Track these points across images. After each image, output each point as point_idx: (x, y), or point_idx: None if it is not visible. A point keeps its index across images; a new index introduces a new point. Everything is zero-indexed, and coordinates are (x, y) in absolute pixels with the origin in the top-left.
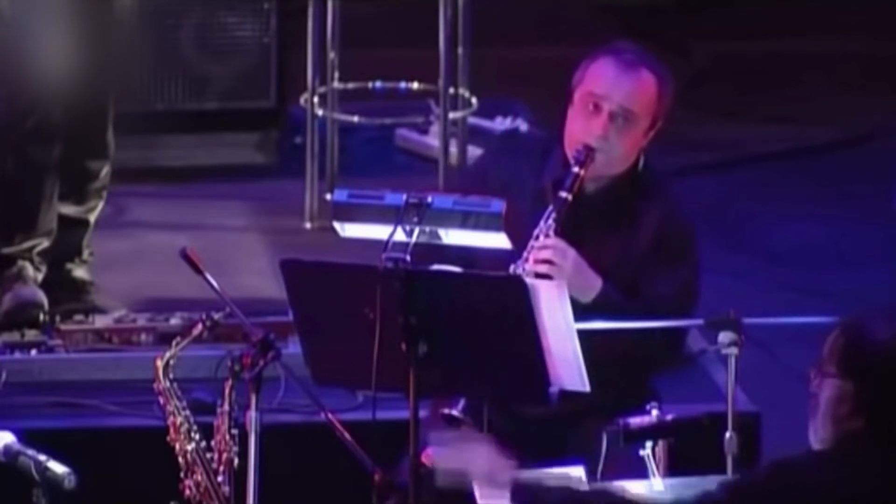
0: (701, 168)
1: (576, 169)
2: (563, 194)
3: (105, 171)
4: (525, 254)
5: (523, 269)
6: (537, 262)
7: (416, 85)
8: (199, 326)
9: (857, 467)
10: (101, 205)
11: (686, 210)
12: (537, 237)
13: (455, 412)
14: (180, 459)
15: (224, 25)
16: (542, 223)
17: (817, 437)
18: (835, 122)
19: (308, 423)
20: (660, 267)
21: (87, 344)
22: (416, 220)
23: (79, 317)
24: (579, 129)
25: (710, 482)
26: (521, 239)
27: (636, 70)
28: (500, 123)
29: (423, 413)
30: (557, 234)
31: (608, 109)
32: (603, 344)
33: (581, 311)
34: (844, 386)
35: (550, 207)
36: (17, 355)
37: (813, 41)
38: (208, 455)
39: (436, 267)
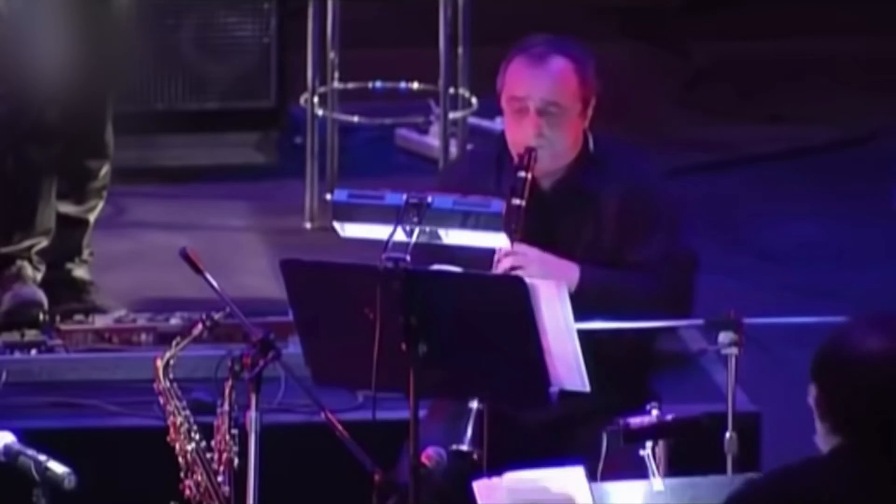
0: (700, 168)
1: (522, 174)
2: (516, 202)
3: (105, 170)
4: (493, 270)
5: None
6: (504, 272)
7: (416, 85)
8: (199, 326)
9: (847, 474)
10: (100, 204)
11: (645, 172)
12: (499, 249)
13: (463, 447)
14: (180, 459)
15: (224, 25)
16: None
17: (818, 441)
18: (835, 122)
19: (308, 423)
20: (636, 236)
21: (87, 344)
22: (416, 220)
23: (79, 317)
24: (515, 133)
25: (711, 482)
26: None
27: (548, 61)
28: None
29: (423, 413)
30: (521, 240)
31: (534, 108)
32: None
33: (578, 305)
34: (814, 391)
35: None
36: (17, 355)
37: (813, 41)
38: (208, 455)
39: (436, 267)
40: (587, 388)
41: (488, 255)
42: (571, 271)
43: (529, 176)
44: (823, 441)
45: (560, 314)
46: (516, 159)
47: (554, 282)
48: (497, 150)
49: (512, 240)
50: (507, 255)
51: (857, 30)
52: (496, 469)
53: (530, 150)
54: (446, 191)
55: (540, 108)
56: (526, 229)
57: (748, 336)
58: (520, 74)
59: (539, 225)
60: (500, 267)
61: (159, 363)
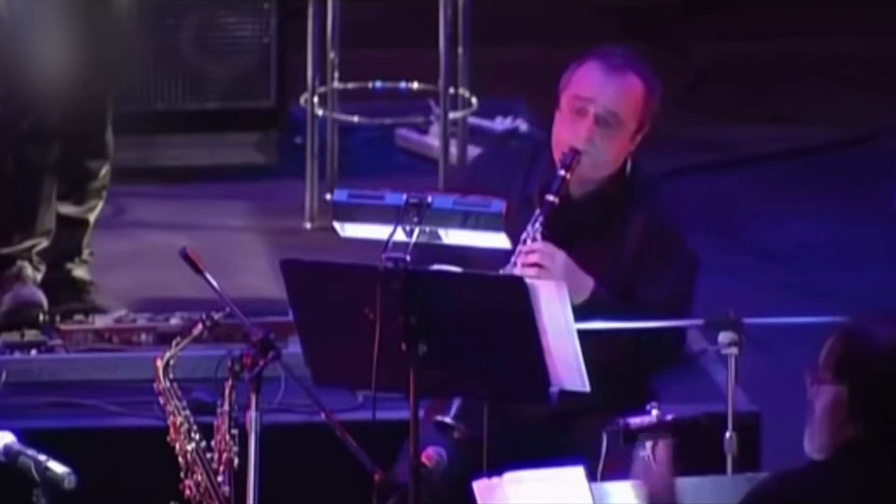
0: (701, 168)
1: (562, 172)
2: (550, 198)
3: (105, 170)
4: (513, 258)
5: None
6: (525, 265)
7: (416, 85)
8: (199, 326)
9: (857, 477)
10: (100, 204)
11: (673, 212)
12: (524, 241)
13: (447, 419)
14: (180, 459)
15: (224, 25)
16: (529, 227)
17: (814, 445)
18: (835, 122)
19: (308, 423)
20: (648, 271)
21: (87, 344)
22: (416, 220)
23: (79, 317)
24: (566, 132)
25: (710, 482)
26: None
27: (623, 74)
28: (500, 123)
29: (423, 413)
30: (545, 237)
31: (594, 112)
32: (599, 346)
33: (576, 312)
34: (841, 392)
35: (538, 211)
36: (17, 355)
37: (813, 41)
38: (208, 455)
39: (436, 267)
40: (587, 388)
41: (491, 255)
42: (587, 286)
43: (569, 176)
44: (817, 444)
45: (560, 314)
46: (559, 157)
47: (554, 282)
48: (533, 149)
49: (544, 236)
50: (534, 250)
51: (857, 30)
52: (495, 466)
53: (575, 152)
54: (472, 184)
55: (600, 114)
56: (549, 227)
57: (748, 336)
58: (592, 76)
59: (558, 229)
60: (524, 259)
61: (159, 363)
